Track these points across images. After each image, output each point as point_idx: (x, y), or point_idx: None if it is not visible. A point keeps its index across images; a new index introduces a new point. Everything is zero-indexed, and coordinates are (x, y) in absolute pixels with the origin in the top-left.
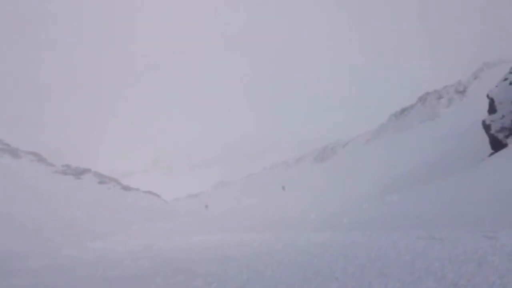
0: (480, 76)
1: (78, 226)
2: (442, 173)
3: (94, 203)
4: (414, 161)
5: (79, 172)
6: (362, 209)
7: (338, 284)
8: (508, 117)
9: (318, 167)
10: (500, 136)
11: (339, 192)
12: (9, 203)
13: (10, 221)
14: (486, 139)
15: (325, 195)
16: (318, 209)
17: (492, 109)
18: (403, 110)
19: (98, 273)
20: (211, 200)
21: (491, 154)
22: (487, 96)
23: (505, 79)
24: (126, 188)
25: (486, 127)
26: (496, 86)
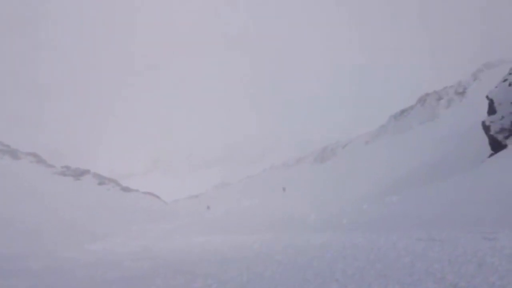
0: (480, 77)
1: (78, 227)
2: (442, 174)
3: (94, 204)
4: (414, 162)
5: (78, 173)
6: (362, 210)
7: (337, 285)
8: (508, 118)
9: (318, 168)
10: (500, 137)
11: (339, 193)
12: (9, 204)
13: (10, 222)
14: (485, 140)
15: (325, 196)
16: (318, 210)
17: (491, 110)
18: (403, 111)
19: (98, 274)
20: (211, 201)
21: (491, 155)
22: (487, 97)
23: (505, 80)
24: (126, 189)
25: (486, 128)
26: (496, 87)
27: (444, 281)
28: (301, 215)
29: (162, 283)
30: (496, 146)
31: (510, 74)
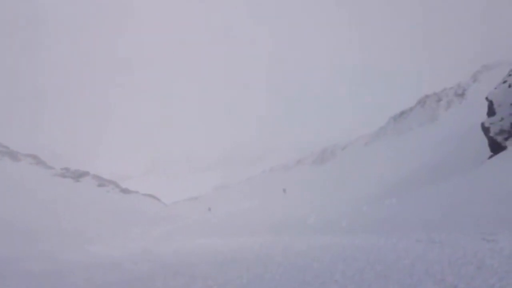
0: (479, 78)
1: (78, 229)
2: (441, 176)
3: (93, 206)
4: (413, 163)
5: (78, 175)
6: (362, 212)
7: (337, 287)
8: (507, 119)
9: (318, 170)
10: (499, 138)
11: (339, 195)
12: (8, 206)
13: (9, 224)
14: (485, 142)
15: (324, 197)
16: (317, 212)
17: (491, 112)
18: (403, 113)
19: (98, 276)
20: (211, 203)
21: (490, 156)
22: (486, 98)
23: (504, 82)
24: (125, 191)
25: (485, 130)
26: (495, 89)
27: (443, 283)
28: (301, 217)
29: (162, 285)
30: (496, 147)
31: (509, 75)
